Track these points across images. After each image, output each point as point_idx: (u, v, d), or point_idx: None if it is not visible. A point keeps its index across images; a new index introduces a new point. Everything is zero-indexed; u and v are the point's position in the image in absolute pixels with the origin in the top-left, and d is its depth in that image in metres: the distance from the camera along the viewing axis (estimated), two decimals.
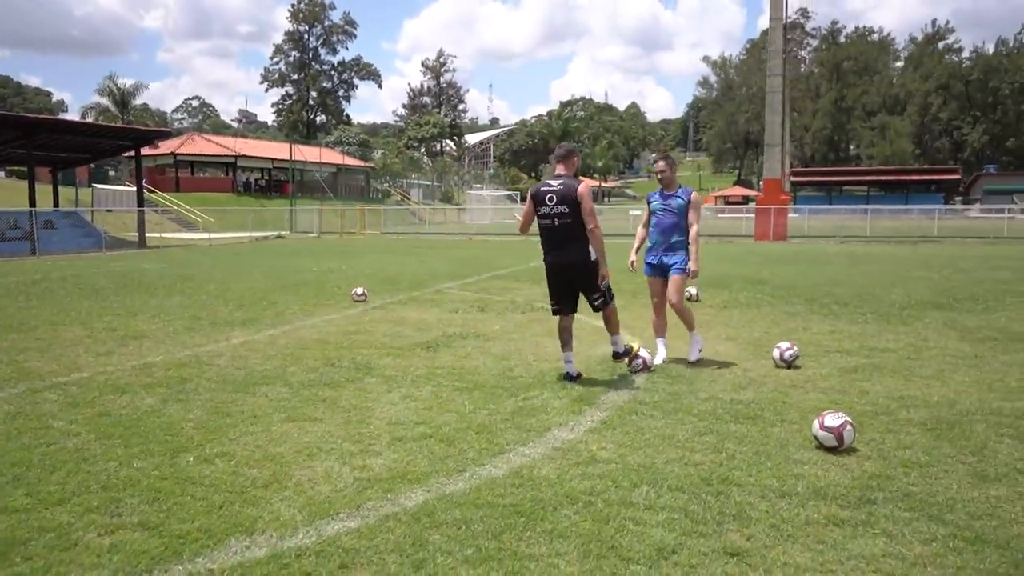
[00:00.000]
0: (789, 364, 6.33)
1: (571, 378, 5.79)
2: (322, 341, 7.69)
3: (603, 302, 5.85)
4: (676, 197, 6.54)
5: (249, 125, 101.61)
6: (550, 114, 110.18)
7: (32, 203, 26.77)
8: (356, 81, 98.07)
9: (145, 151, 55.08)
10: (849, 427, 4.17)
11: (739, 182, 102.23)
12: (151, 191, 45.58)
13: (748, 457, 4.08)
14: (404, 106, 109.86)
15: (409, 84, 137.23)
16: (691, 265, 6.42)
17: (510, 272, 15.58)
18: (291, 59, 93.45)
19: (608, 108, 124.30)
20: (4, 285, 13.37)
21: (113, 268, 17.60)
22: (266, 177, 56.77)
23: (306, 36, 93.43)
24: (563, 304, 5.85)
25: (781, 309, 9.89)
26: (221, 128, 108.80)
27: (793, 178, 72.15)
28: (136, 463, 4.03)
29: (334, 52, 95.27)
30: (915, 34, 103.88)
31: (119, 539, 3.13)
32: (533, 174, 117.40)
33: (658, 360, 6.49)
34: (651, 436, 4.45)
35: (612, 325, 6.04)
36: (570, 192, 5.53)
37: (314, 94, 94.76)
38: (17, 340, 7.74)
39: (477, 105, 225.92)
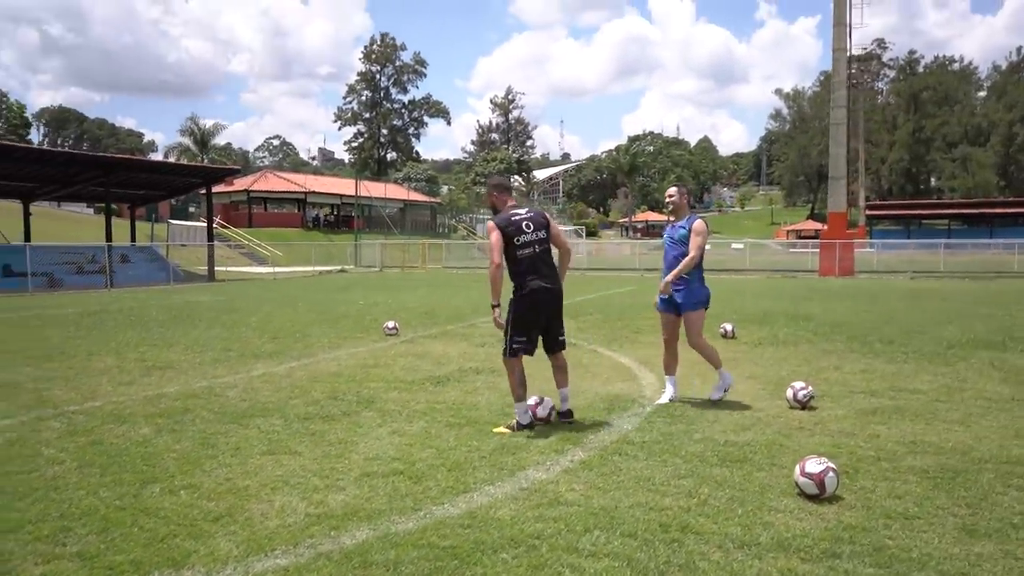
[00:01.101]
0: (803, 405, 6.02)
1: (532, 424, 5.39)
2: (337, 374, 7.72)
3: (564, 339, 5.63)
4: (680, 227, 6.30)
5: (327, 162, 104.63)
6: (618, 149, 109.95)
7: (108, 238, 28.07)
8: (426, 119, 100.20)
9: (221, 188, 57.39)
10: (832, 473, 3.91)
11: (812, 216, 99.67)
12: (224, 226, 47.35)
13: (721, 503, 3.85)
14: (473, 142, 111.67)
15: (478, 121, 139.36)
16: (668, 276, 6.10)
17: None
18: (363, 98, 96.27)
19: (676, 142, 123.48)
20: (63, 316, 13.98)
21: (172, 301, 18.24)
22: (335, 213, 58.21)
23: (378, 76, 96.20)
24: (533, 342, 5.46)
25: (819, 347, 9.48)
26: (300, 165, 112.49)
27: (869, 211, 70.09)
28: (103, 492, 4.08)
29: (405, 91, 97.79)
30: (999, 63, 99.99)
31: (51, 569, 3.14)
32: (601, 208, 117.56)
33: (663, 399, 6.28)
34: (626, 478, 4.27)
35: (567, 375, 5.69)
36: (543, 219, 5.49)
37: (385, 132, 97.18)
38: (50, 369, 8.03)
39: (548, 141, 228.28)
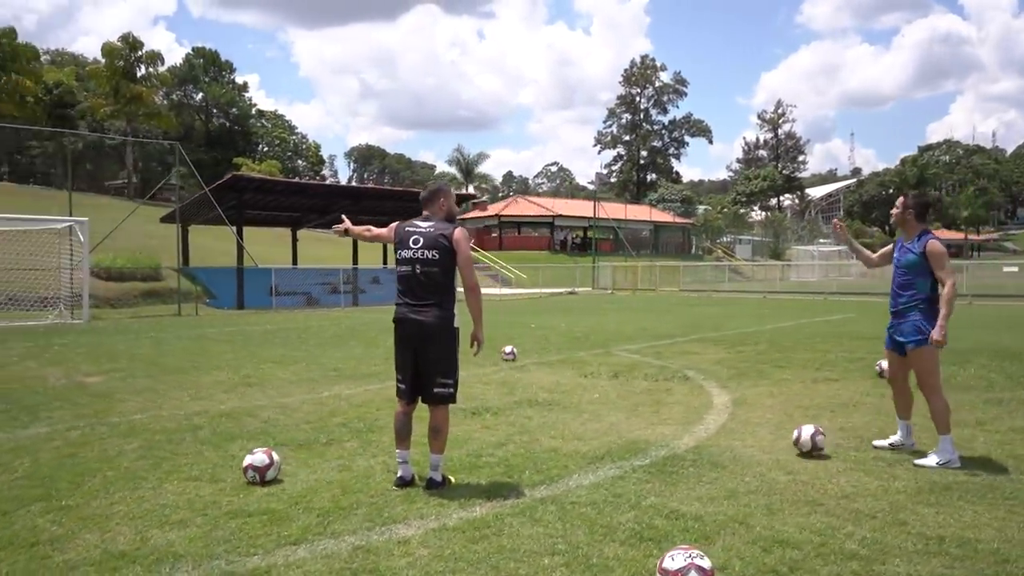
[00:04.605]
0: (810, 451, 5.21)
1: (404, 482, 4.51)
2: (390, 399, 7.54)
3: (449, 393, 4.54)
4: (909, 251, 5.19)
5: (603, 186, 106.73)
6: (903, 161, 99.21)
7: (355, 261, 30.92)
8: (686, 138, 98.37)
9: (475, 213, 61.06)
10: (694, 574, 2.91)
11: None
12: (475, 250, 50.15)
13: None
14: (738, 160, 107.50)
15: (744, 138, 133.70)
16: (934, 332, 4.98)
17: (722, 335, 14.05)
18: (623, 121, 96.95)
19: (979, 150, 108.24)
20: (251, 332, 15.45)
21: (363, 319, 19.36)
22: (581, 235, 59.03)
23: (638, 98, 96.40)
24: (407, 383, 4.57)
25: (991, 393, 7.52)
26: (576, 191, 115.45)
27: None
28: None
29: (664, 111, 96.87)
30: None
31: None
32: (885, 227, 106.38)
33: (883, 442, 5.49)
34: (492, 548, 3.55)
35: (440, 439, 4.54)
36: (442, 236, 4.50)
37: (644, 153, 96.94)
38: (155, 380, 8.76)
39: (839, 155, 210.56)
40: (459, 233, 4.58)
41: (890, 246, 5.55)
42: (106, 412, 6.89)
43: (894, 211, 5.33)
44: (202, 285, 26.42)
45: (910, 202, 5.25)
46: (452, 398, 4.59)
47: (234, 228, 26.25)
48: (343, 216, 5.46)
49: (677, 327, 15.85)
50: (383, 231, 4.85)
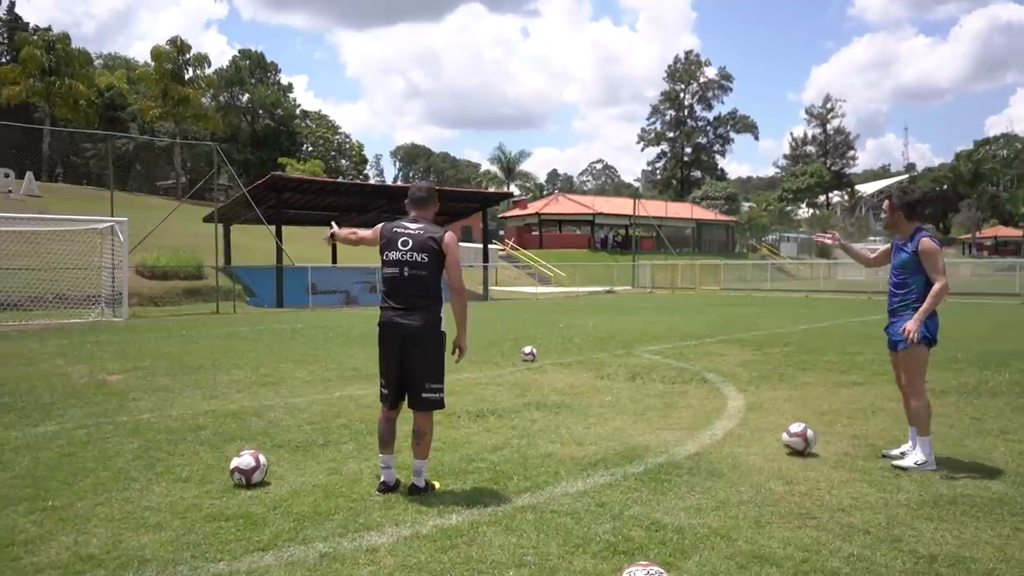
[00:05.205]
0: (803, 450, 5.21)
1: (387, 487, 4.47)
2: None
3: (437, 399, 4.45)
4: (902, 249, 5.10)
5: (648, 183, 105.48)
6: (957, 156, 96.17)
7: None
8: (732, 135, 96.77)
9: (514, 212, 60.98)
10: None
11: None
12: (516, 248, 50.13)
13: None
14: (785, 156, 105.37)
15: (791, 133, 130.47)
16: (908, 324, 4.90)
17: (752, 336, 13.74)
18: (667, 118, 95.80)
19: None
20: (278, 331, 15.58)
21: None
22: (622, 233, 58.53)
23: (682, 94, 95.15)
24: (392, 388, 4.49)
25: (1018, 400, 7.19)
26: (622, 188, 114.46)
27: None
28: None
29: (709, 107, 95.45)
30: None
31: None
32: (940, 224, 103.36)
33: (894, 451, 5.29)
34: (447, 561, 3.47)
35: (424, 444, 4.46)
36: (432, 240, 4.41)
37: (688, 150, 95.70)
38: (174, 379, 8.86)
39: (893, 150, 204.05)
40: (449, 237, 4.51)
41: (888, 245, 5.38)
42: (117, 411, 6.98)
43: (884, 215, 5.24)
44: (244, 284, 26.87)
45: (895, 203, 5.11)
46: (440, 404, 4.51)
47: (272, 227, 26.59)
48: (332, 223, 5.42)
49: (707, 327, 15.56)
50: (367, 233, 4.79)
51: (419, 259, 4.39)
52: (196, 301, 24.16)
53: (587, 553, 3.52)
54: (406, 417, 4.61)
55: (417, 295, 4.41)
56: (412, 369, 4.41)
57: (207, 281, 25.96)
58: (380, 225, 4.64)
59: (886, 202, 5.25)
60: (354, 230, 5.01)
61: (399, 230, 4.49)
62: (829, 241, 5.76)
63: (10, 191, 33.53)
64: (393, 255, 4.43)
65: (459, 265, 4.56)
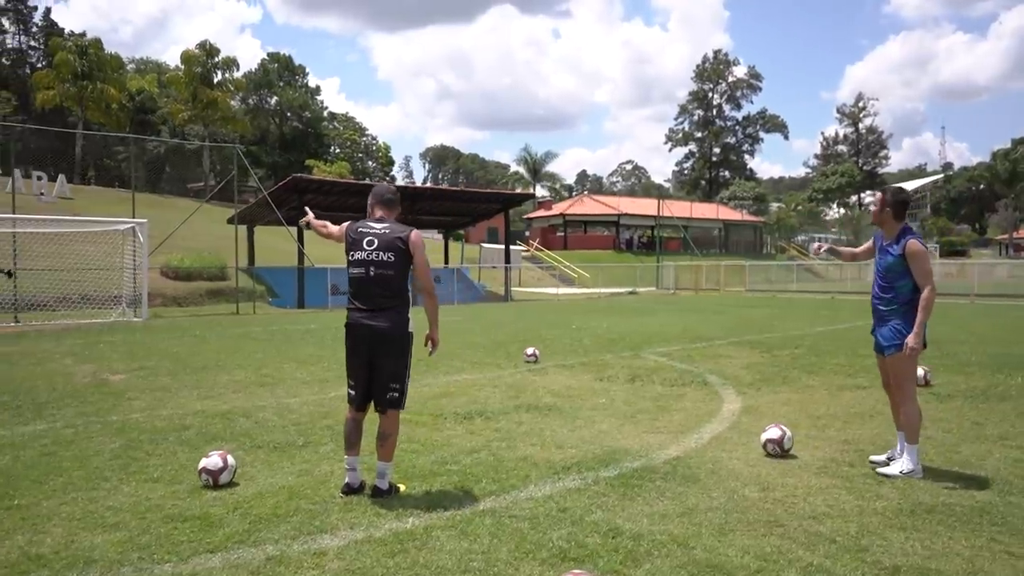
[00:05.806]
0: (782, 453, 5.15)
1: (351, 490, 4.40)
2: None
3: (396, 398, 4.42)
4: (888, 252, 4.92)
5: (677, 184, 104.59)
6: (994, 155, 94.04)
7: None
8: (761, 134, 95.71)
9: (539, 213, 60.87)
10: None
11: None
12: (540, 249, 50.02)
13: None
14: (816, 156, 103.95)
15: (822, 133, 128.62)
16: (909, 339, 4.75)
17: (765, 338, 13.50)
18: (695, 118, 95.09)
19: None
20: (291, 332, 15.67)
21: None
22: (648, 234, 58.14)
23: (710, 94, 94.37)
24: (359, 389, 4.45)
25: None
26: (651, 189, 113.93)
27: None
28: None
29: (738, 107, 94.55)
30: None
31: None
32: (977, 225, 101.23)
33: (890, 454, 5.12)
34: (393, 566, 3.41)
35: (388, 445, 4.41)
36: (399, 239, 4.37)
37: (716, 150, 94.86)
38: (175, 379, 8.91)
39: (930, 149, 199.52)
40: (415, 236, 4.48)
41: (872, 240, 5.22)
42: (109, 410, 7.03)
43: (873, 208, 5.06)
44: (267, 285, 27.13)
45: (889, 199, 4.95)
46: (400, 404, 4.48)
47: (292, 229, 26.80)
48: (307, 208, 5.42)
49: (722, 329, 15.34)
50: (334, 229, 4.78)
51: (385, 258, 4.37)
52: (219, 302, 24.44)
53: (536, 560, 3.44)
54: (376, 419, 4.56)
55: (383, 295, 4.38)
56: (379, 370, 4.40)
57: (230, 282, 26.24)
58: (346, 224, 4.61)
59: (879, 195, 5.14)
60: (325, 223, 4.98)
61: (364, 230, 4.46)
62: (820, 254, 5.76)
63: (42, 193, 34.23)
64: (359, 255, 4.41)
65: (427, 265, 4.52)
